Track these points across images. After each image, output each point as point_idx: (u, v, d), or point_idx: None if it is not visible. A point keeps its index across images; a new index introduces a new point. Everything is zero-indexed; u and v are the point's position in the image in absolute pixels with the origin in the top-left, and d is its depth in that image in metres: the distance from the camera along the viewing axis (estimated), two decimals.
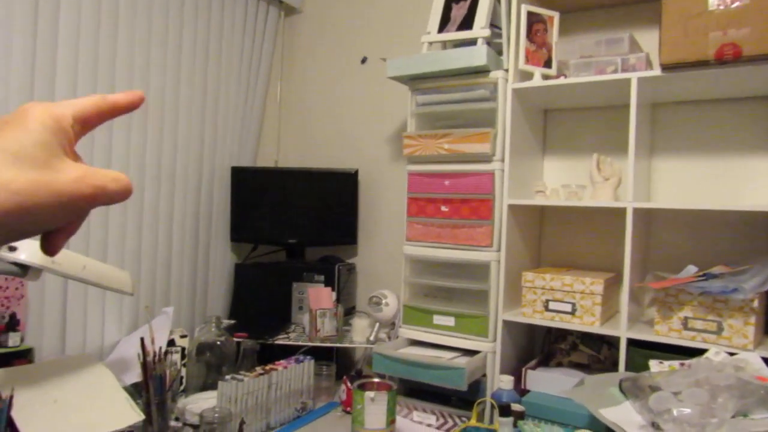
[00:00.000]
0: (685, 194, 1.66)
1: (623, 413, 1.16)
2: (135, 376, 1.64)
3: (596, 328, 1.49)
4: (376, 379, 1.53)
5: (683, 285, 1.37)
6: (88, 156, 1.74)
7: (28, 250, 1.23)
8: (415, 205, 1.74)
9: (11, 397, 1.29)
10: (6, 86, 1.52)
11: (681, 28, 1.34)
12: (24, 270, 1.23)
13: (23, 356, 1.46)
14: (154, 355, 1.54)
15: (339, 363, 1.99)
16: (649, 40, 1.63)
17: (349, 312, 2.17)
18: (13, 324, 1.45)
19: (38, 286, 1.63)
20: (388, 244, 2.21)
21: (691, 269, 1.47)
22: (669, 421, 1.04)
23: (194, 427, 1.53)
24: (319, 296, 1.93)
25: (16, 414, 1.29)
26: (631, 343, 1.44)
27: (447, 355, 1.64)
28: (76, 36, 1.68)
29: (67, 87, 1.67)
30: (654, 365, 1.32)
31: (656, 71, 1.41)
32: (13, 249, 1.21)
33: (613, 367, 1.60)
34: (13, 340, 1.44)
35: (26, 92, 1.56)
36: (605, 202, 1.52)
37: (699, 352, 1.32)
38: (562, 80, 1.55)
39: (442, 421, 1.62)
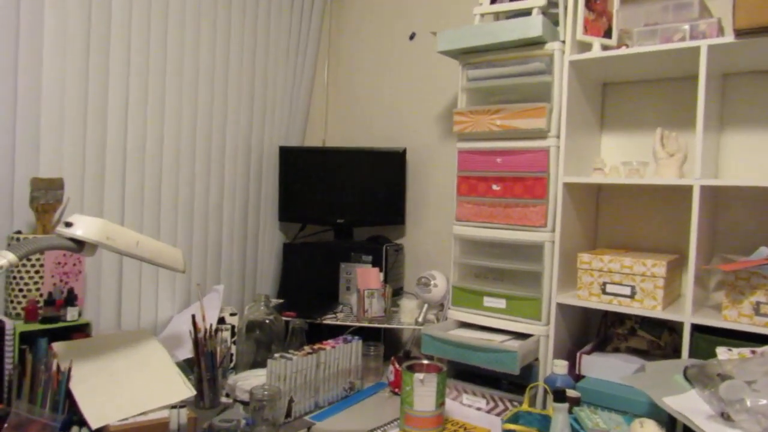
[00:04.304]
0: (757, 171, 1.54)
1: (689, 402, 1.09)
2: (187, 351, 1.68)
3: (658, 313, 1.41)
4: (425, 361, 1.50)
5: (756, 267, 1.27)
6: (141, 143, 1.76)
7: (84, 227, 1.25)
8: (466, 184, 1.69)
9: (70, 369, 1.34)
10: (63, 64, 1.55)
11: None
12: (80, 246, 1.26)
13: (81, 330, 1.51)
14: (205, 332, 1.56)
15: (387, 344, 1.98)
16: (721, 4, 1.52)
17: (397, 293, 2.15)
18: (71, 299, 1.49)
19: (95, 263, 1.67)
20: (436, 224, 2.17)
21: (764, 251, 1.37)
22: (742, 412, 0.97)
23: (244, 403, 1.55)
24: (366, 276, 1.91)
25: (73, 386, 1.33)
26: (696, 328, 1.36)
27: (498, 337, 1.59)
28: (128, 16, 1.70)
29: (121, 64, 1.69)
30: (722, 352, 1.24)
31: (729, 38, 1.30)
32: (69, 225, 1.24)
33: (675, 353, 1.52)
34: (71, 314, 1.48)
35: (82, 75, 1.59)
36: (670, 180, 1.43)
37: None
38: (623, 51, 1.46)
39: (492, 404, 1.58)
